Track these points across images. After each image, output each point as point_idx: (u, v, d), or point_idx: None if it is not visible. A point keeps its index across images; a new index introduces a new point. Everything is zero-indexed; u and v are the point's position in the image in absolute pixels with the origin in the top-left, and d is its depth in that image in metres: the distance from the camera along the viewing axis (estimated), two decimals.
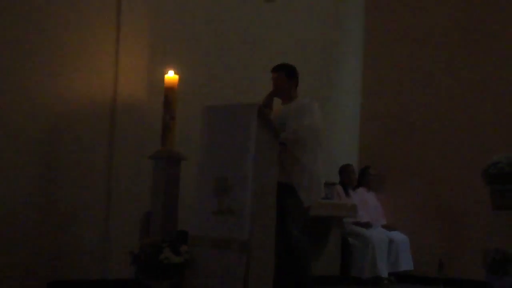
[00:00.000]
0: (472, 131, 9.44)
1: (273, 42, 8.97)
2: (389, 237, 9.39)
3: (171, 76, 6.54)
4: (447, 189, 9.55)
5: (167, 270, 5.99)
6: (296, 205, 6.12)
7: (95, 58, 7.12)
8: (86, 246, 6.96)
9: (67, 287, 6.81)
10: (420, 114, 9.93)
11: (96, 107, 7.11)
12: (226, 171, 6.00)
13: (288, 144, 6.13)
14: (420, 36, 10.05)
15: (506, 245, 8.41)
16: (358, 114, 10.47)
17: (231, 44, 8.46)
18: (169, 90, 6.52)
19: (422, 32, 10.05)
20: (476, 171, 8.61)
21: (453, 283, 8.99)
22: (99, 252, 7.03)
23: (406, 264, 9.44)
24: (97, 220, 7.04)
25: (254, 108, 5.98)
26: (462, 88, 9.61)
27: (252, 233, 5.79)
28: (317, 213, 7.94)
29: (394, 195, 9.97)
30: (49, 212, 6.74)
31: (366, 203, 9.75)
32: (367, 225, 9.37)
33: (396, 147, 10.05)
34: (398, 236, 9.52)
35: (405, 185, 9.93)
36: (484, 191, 8.62)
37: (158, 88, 6.85)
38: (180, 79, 6.57)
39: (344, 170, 9.75)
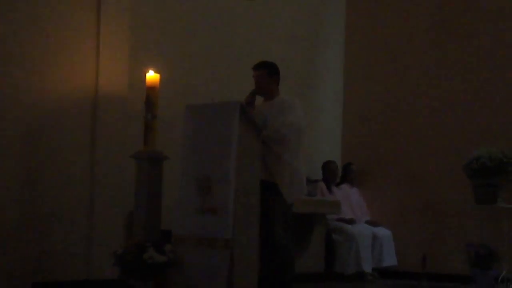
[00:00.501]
0: (453, 126, 9.48)
1: (255, 40, 8.97)
2: (373, 233, 9.42)
3: (152, 75, 6.52)
4: (430, 184, 9.59)
5: (151, 269, 5.97)
6: (278, 203, 6.13)
7: (75, 58, 7.09)
8: (69, 247, 6.93)
9: None
10: (402, 110, 9.97)
11: (77, 107, 7.08)
12: (209, 170, 6.00)
13: (270, 142, 6.13)
14: (401, 32, 10.08)
15: (489, 239, 8.47)
16: (340, 110, 10.48)
17: (213, 42, 8.44)
18: (150, 89, 6.49)
19: (403, 27, 10.08)
20: (458, 166, 8.67)
21: (436, 278, 9.03)
22: (82, 253, 7.00)
23: (389, 259, 9.47)
24: (80, 221, 7.02)
25: (236, 106, 5.97)
26: (443, 84, 9.65)
27: (236, 231, 5.80)
28: (301, 210, 7.95)
29: (377, 191, 10.00)
30: (31, 213, 6.71)
31: (350, 199, 9.78)
32: (351, 221, 9.40)
33: (378, 143, 10.08)
34: (382, 231, 9.55)
35: (388, 181, 9.96)
36: (466, 186, 8.68)
37: (139, 87, 6.83)
38: (161, 78, 6.55)
39: (327, 167, 9.77)
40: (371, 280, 9.19)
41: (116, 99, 7.26)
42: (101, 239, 7.02)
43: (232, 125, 5.92)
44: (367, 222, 9.70)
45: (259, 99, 6.57)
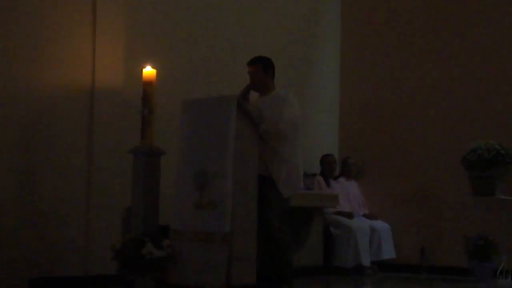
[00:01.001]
0: (451, 119, 9.48)
1: (251, 35, 8.95)
2: (371, 226, 9.42)
3: (149, 70, 6.52)
4: (428, 176, 9.59)
5: (149, 264, 5.98)
6: (276, 197, 6.14)
7: (71, 53, 7.07)
8: (67, 242, 6.93)
9: (49, 284, 6.77)
10: (399, 103, 9.96)
11: (74, 103, 7.07)
12: (206, 165, 6.00)
13: (267, 136, 6.13)
14: (398, 25, 10.07)
15: (487, 231, 8.48)
16: (337, 104, 10.48)
17: (209, 38, 8.43)
18: (147, 84, 6.49)
19: (400, 21, 10.07)
20: (456, 158, 8.69)
21: (435, 270, 9.03)
22: (80, 248, 7.00)
23: (388, 252, 9.46)
24: (78, 216, 7.01)
25: (233, 101, 5.98)
26: (440, 77, 9.64)
27: (234, 226, 5.80)
28: (299, 204, 7.95)
29: (375, 184, 10.00)
30: (29, 208, 6.70)
31: (347, 193, 9.77)
32: (349, 215, 9.39)
33: (375, 136, 10.08)
34: (380, 224, 9.55)
35: (386, 174, 9.96)
36: (464, 178, 8.70)
37: (136, 82, 6.81)
38: (158, 73, 6.54)
39: (325, 160, 9.76)
40: (370, 273, 9.18)
41: (113, 94, 7.25)
42: (99, 234, 7.02)
43: (229, 119, 5.93)
44: (365, 215, 9.70)
45: (255, 94, 6.57)
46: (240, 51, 8.38)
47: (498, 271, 8.32)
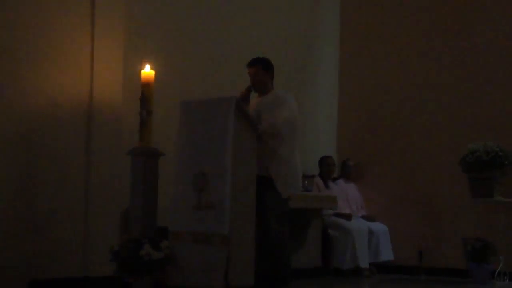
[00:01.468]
0: (449, 121, 9.49)
1: (250, 36, 8.96)
2: (369, 228, 9.43)
3: (147, 71, 6.51)
4: (426, 178, 9.60)
5: (147, 266, 5.97)
6: (274, 198, 6.14)
7: (70, 55, 7.05)
8: (66, 244, 6.91)
9: (48, 285, 6.76)
10: (398, 105, 9.97)
11: (72, 104, 7.05)
12: (205, 166, 6.00)
13: (265, 137, 6.13)
14: (397, 27, 10.08)
15: (485, 233, 8.49)
16: (336, 105, 10.48)
17: (207, 39, 8.43)
18: (145, 86, 6.48)
19: (399, 22, 10.08)
20: (454, 160, 8.70)
21: (433, 272, 9.05)
22: (79, 250, 6.98)
23: (386, 254, 9.48)
24: (76, 217, 7.00)
25: (232, 101, 5.97)
26: (439, 78, 9.65)
27: (232, 227, 5.79)
28: (297, 205, 7.95)
29: (373, 185, 10.01)
30: (28, 210, 6.69)
31: (346, 195, 9.78)
32: (348, 217, 9.39)
33: (374, 137, 10.08)
34: (378, 226, 9.55)
35: (385, 176, 9.96)
36: (462, 180, 8.70)
37: (134, 84, 6.81)
38: (156, 74, 6.54)
39: (324, 162, 9.76)
40: (368, 275, 9.19)
41: (111, 95, 7.24)
42: (98, 236, 7.00)
43: (227, 120, 5.92)
44: (363, 217, 9.71)
45: (253, 95, 6.57)
46: (239, 53, 8.38)
47: (496, 273, 8.33)
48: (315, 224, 9.05)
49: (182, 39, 8.13)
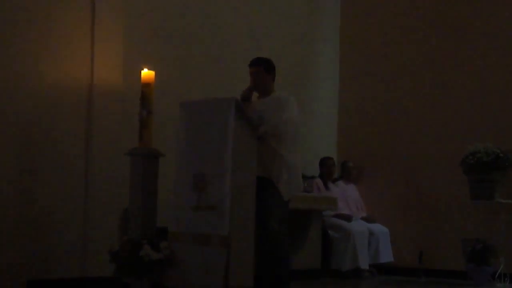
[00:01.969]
0: (449, 122, 9.48)
1: (250, 35, 8.96)
2: (369, 229, 9.42)
3: (147, 71, 6.50)
4: (426, 180, 9.59)
5: (146, 266, 5.96)
6: (275, 199, 6.12)
7: (70, 55, 7.06)
8: (65, 244, 6.92)
9: (47, 286, 6.76)
10: (398, 107, 9.96)
11: (72, 103, 7.06)
12: (205, 167, 5.99)
13: (267, 138, 6.12)
14: (396, 29, 10.08)
15: (485, 234, 8.48)
16: (336, 107, 10.48)
17: (207, 39, 8.43)
18: (145, 86, 6.47)
19: (398, 24, 10.07)
20: (454, 161, 8.69)
21: (433, 274, 9.04)
22: (78, 250, 6.99)
23: (386, 255, 9.47)
24: (75, 218, 7.00)
25: (232, 102, 5.95)
26: (439, 79, 9.65)
27: (232, 228, 5.78)
28: (297, 207, 7.95)
29: (374, 187, 10.00)
30: (26, 210, 6.69)
31: (346, 196, 9.77)
32: (348, 218, 9.38)
33: (374, 139, 10.08)
34: (378, 228, 9.54)
35: (384, 177, 9.96)
36: (462, 181, 8.69)
37: (134, 84, 6.80)
38: (156, 74, 6.53)
39: (325, 163, 9.76)
40: (368, 276, 9.18)
41: (111, 96, 7.24)
42: (97, 236, 7.00)
43: (227, 121, 5.91)
44: (363, 218, 9.70)
45: (254, 96, 6.56)
46: (239, 53, 8.38)
47: (497, 275, 8.32)
48: (315, 225, 9.04)
49: (182, 40, 8.13)
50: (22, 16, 6.75)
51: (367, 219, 9.68)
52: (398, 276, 9.38)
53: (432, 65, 9.71)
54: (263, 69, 6.48)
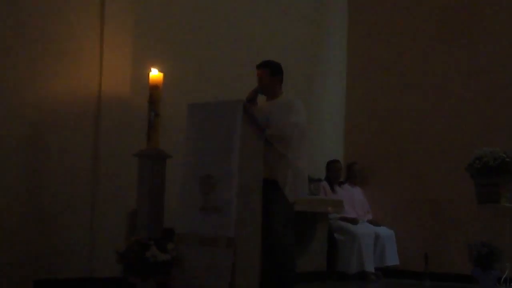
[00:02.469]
0: (456, 126, 9.48)
1: (257, 38, 8.97)
2: (375, 232, 9.42)
3: (155, 74, 6.53)
4: (433, 183, 9.59)
5: (153, 267, 5.98)
6: (280, 201, 6.13)
7: (78, 56, 7.09)
8: (72, 245, 6.93)
9: (54, 286, 6.79)
10: (405, 110, 9.96)
11: (81, 105, 7.08)
12: (211, 169, 6.01)
13: (273, 140, 6.13)
14: (404, 31, 10.08)
15: (491, 238, 8.47)
16: (343, 110, 10.49)
17: (215, 40, 8.45)
18: (153, 88, 6.50)
19: (406, 27, 10.08)
20: (461, 165, 8.66)
21: (439, 277, 9.02)
22: (85, 251, 7.01)
23: (392, 258, 9.47)
24: (83, 218, 7.02)
25: (239, 105, 5.98)
26: (446, 84, 9.65)
27: (238, 230, 5.80)
28: (303, 209, 7.96)
29: (380, 190, 10.00)
30: (34, 211, 6.71)
31: (352, 199, 9.78)
32: (354, 221, 9.39)
33: (381, 142, 10.08)
34: (384, 231, 9.55)
35: (391, 180, 9.96)
36: (469, 185, 8.68)
37: (142, 86, 6.83)
38: (164, 76, 6.56)
39: (332, 166, 9.77)
40: (373, 279, 9.18)
41: (119, 98, 7.27)
42: (104, 237, 7.02)
43: (234, 123, 5.93)
44: (369, 221, 9.70)
45: (261, 98, 6.58)
46: (247, 55, 8.39)
47: (502, 279, 8.31)
48: (321, 228, 9.05)
49: (190, 42, 8.15)
50: (31, 22, 6.77)
51: (373, 222, 9.69)
52: (403, 279, 9.38)
53: (441, 68, 9.71)
54: (269, 71, 6.50)
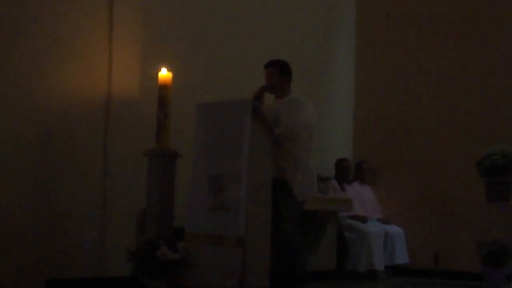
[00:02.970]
0: (466, 124, 9.48)
1: (266, 38, 8.98)
2: (385, 231, 9.43)
3: (164, 73, 6.54)
4: (442, 181, 9.59)
5: (163, 267, 6.00)
6: (289, 200, 6.13)
7: (88, 56, 7.11)
8: (83, 244, 6.96)
9: (65, 285, 6.82)
10: (414, 108, 9.97)
11: (90, 105, 7.10)
12: (221, 168, 6.01)
13: (282, 140, 6.14)
14: (414, 29, 10.08)
15: (501, 236, 8.46)
16: (352, 109, 10.49)
17: (224, 40, 8.46)
18: (162, 88, 6.51)
19: (417, 25, 10.07)
20: (470, 163, 8.68)
21: (448, 276, 9.03)
22: (95, 250, 7.04)
23: (401, 257, 9.47)
24: (93, 218, 7.05)
25: (248, 104, 5.98)
26: (455, 82, 9.64)
27: (248, 229, 5.81)
28: (313, 208, 7.97)
29: (389, 188, 10.01)
30: (45, 210, 6.74)
31: (361, 197, 9.79)
32: (363, 219, 9.39)
33: (390, 140, 10.09)
34: (394, 229, 9.55)
35: (400, 178, 9.96)
36: (478, 183, 8.69)
37: (152, 86, 6.84)
38: (173, 76, 6.57)
39: (341, 165, 9.78)
40: (383, 278, 9.19)
41: (129, 97, 7.29)
42: (114, 236, 7.05)
43: (243, 123, 5.93)
44: (378, 220, 9.71)
45: (270, 97, 6.59)
46: (256, 55, 8.40)
47: None
48: (331, 226, 9.06)
49: (199, 42, 8.16)
50: (39, 22, 6.79)
51: (383, 220, 9.70)
52: (413, 277, 9.38)
53: (448, 67, 9.71)
54: (278, 70, 6.49)
